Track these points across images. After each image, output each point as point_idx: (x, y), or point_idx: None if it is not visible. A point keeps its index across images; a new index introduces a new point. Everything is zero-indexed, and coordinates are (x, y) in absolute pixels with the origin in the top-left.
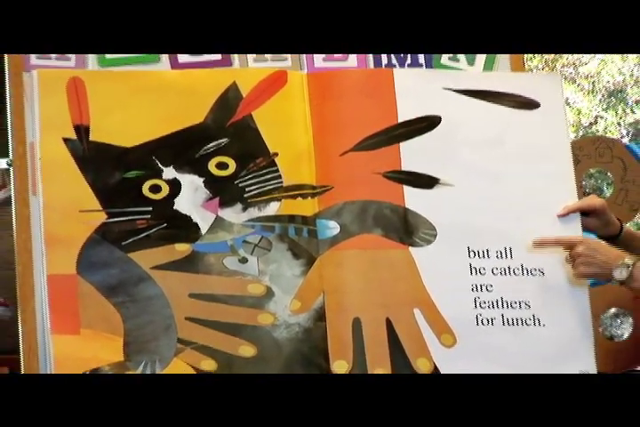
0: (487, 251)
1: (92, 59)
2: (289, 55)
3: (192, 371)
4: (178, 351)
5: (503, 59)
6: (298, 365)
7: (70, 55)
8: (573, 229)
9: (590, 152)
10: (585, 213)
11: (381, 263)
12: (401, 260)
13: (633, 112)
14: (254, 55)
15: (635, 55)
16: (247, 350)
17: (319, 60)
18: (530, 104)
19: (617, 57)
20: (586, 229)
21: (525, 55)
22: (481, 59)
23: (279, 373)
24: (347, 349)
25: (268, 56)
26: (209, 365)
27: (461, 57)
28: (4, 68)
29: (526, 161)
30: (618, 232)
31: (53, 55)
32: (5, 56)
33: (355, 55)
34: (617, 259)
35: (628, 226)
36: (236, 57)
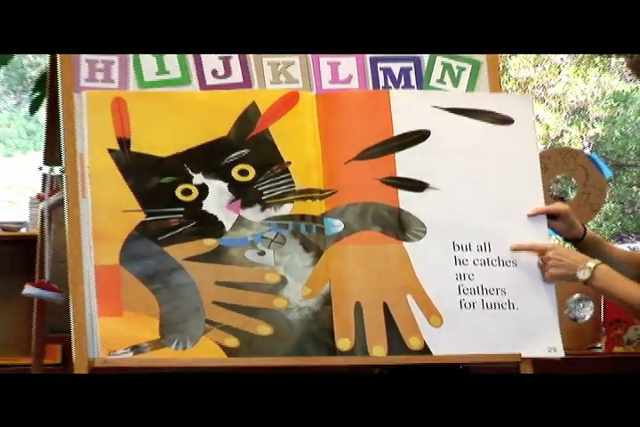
0: (469, 245)
1: (132, 81)
2: (300, 78)
3: (218, 348)
4: (205, 331)
5: (483, 81)
6: (308, 342)
7: (114, 78)
8: (540, 228)
9: (557, 161)
10: (552, 216)
11: (379, 256)
12: (396, 253)
13: (593, 127)
14: (271, 78)
15: (595, 78)
16: (265, 330)
17: (326, 82)
18: (505, 120)
19: (580, 80)
20: (554, 231)
21: (502, 78)
22: (464, 81)
23: (292, 349)
24: (349, 329)
25: (283, 78)
26: (232, 342)
27: (447, 80)
28: (57, 89)
29: (501, 169)
30: (582, 236)
31: (99, 78)
32: (58, 79)
33: (356, 78)
34: (581, 262)
35: (590, 224)
36: (255, 80)
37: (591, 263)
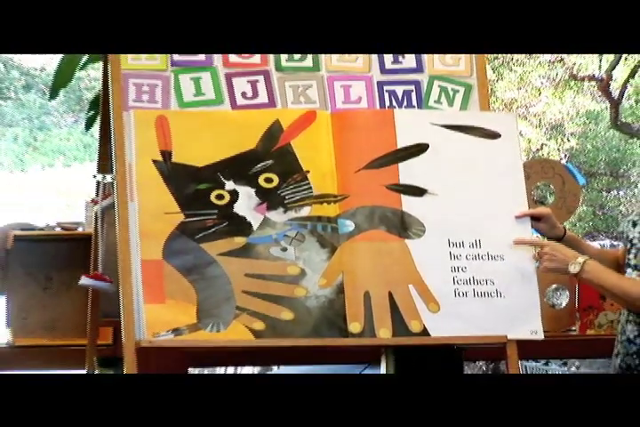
0: (462, 242)
1: (173, 101)
2: (317, 99)
3: (247, 330)
4: (236, 316)
5: (474, 101)
6: (323, 326)
7: (158, 99)
8: (525, 228)
9: (537, 170)
10: (536, 218)
11: (384, 252)
12: (399, 249)
13: (568, 141)
14: (292, 98)
15: (570, 99)
16: (287, 315)
17: (339, 102)
18: (493, 135)
19: (557, 101)
20: (538, 231)
21: (490, 99)
22: (458, 101)
23: (310, 332)
24: (359, 314)
25: (302, 99)
26: (259, 325)
27: (443, 100)
28: (109, 109)
29: (490, 177)
30: (562, 235)
31: (145, 98)
32: (110, 100)
33: (365, 99)
34: (573, 258)
35: (565, 224)
36: (278, 100)
37: (581, 259)
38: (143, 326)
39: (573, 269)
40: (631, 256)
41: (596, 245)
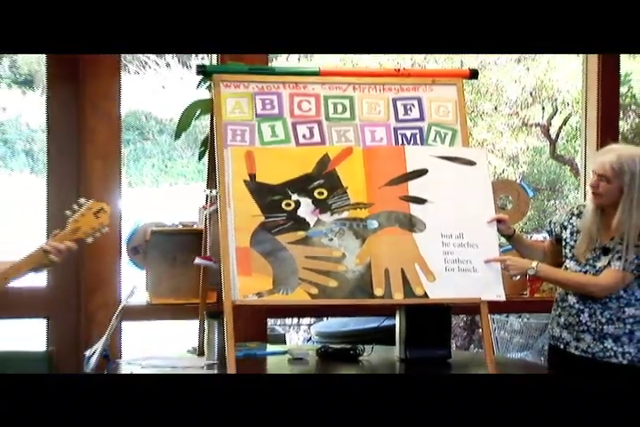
0: (450, 235)
1: (257, 140)
2: (353, 139)
3: (306, 294)
4: (298, 284)
5: (458, 140)
6: (357, 291)
7: (246, 139)
8: (492, 226)
9: (501, 187)
10: (498, 221)
11: (398, 242)
12: (408, 240)
13: (521, 167)
14: (336, 139)
15: (523, 139)
16: (333, 283)
17: (368, 141)
18: (471, 163)
19: (514, 140)
20: (498, 230)
21: (469, 139)
22: (447, 140)
23: (348, 295)
24: (381, 283)
25: (343, 139)
26: (314, 290)
27: (438, 140)
28: (214, 146)
29: (469, 191)
30: (512, 234)
31: (238, 139)
32: (215, 140)
33: (385, 139)
34: (528, 264)
35: (520, 223)
36: (327, 140)
37: (534, 264)
38: (237, 291)
39: (532, 271)
40: (567, 251)
41: (538, 237)
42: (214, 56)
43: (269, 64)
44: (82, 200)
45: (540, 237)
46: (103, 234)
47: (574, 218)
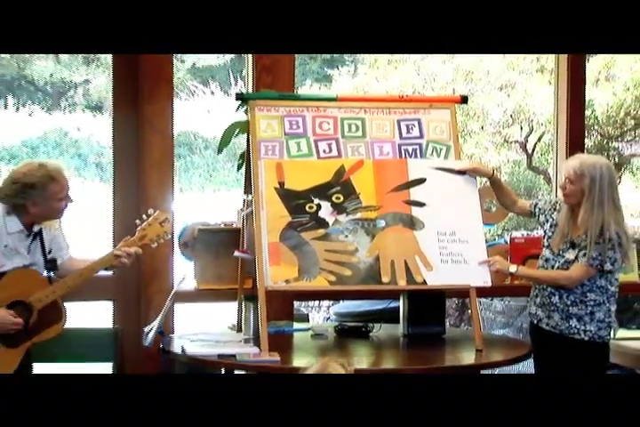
0: (445, 232)
1: (285, 154)
2: (364, 153)
3: (325, 281)
4: (319, 273)
5: (452, 154)
6: (368, 278)
7: (276, 153)
8: (479, 227)
9: (486, 192)
10: (474, 171)
11: (402, 238)
12: (410, 237)
13: (503, 177)
14: (350, 153)
15: (504, 153)
16: (347, 272)
17: (377, 155)
18: (462, 173)
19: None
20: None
21: (461, 154)
22: (442, 154)
23: (360, 282)
24: (388, 272)
25: (356, 153)
26: (332, 278)
27: (434, 154)
28: (250, 159)
29: (460, 196)
30: (492, 175)
31: (269, 153)
32: (251, 154)
33: (391, 153)
34: (508, 264)
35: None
36: (343, 153)
37: (513, 268)
38: (268, 278)
39: (513, 270)
40: (544, 240)
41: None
42: (250, 85)
43: (295, 92)
44: (150, 211)
45: (519, 234)
46: (166, 240)
47: (555, 213)
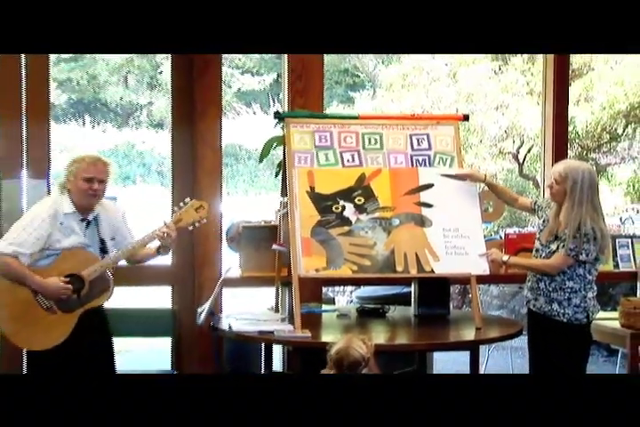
0: (450, 229)
1: (315, 163)
2: (382, 162)
3: (349, 270)
4: (344, 263)
5: (455, 164)
6: (384, 268)
7: (307, 162)
8: (479, 225)
9: (485, 195)
10: (469, 176)
11: (413, 234)
12: (420, 233)
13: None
14: (370, 162)
15: (500, 163)
16: (367, 262)
17: (393, 164)
18: (463, 178)
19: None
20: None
21: (463, 163)
22: (448, 163)
23: (377, 271)
24: (401, 262)
25: (375, 163)
26: (355, 267)
27: (441, 163)
28: (286, 167)
29: (462, 199)
30: (484, 179)
31: (302, 162)
32: (287, 163)
33: (404, 162)
34: (503, 254)
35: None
36: (364, 163)
37: (505, 257)
38: (301, 267)
39: (506, 259)
40: (537, 233)
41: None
42: (286, 105)
43: (323, 111)
44: (187, 199)
45: (512, 230)
46: (202, 224)
47: (547, 210)
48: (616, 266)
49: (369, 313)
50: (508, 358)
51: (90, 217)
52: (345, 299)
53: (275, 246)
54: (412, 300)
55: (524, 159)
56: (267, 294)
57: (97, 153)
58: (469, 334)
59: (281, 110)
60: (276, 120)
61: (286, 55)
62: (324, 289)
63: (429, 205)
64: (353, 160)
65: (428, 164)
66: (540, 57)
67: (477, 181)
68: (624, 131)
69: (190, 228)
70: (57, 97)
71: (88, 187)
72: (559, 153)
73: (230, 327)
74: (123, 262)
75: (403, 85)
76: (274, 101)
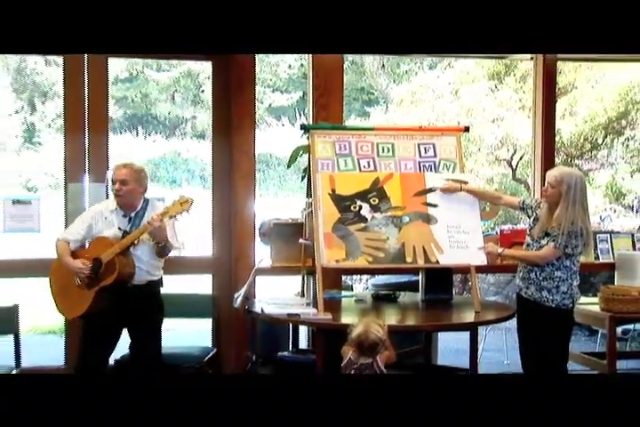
0: (453, 226)
1: (336, 169)
2: (394, 167)
3: (365, 261)
4: (361, 255)
5: (457, 169)
6: (396, 259)
7: (329, 168)
8: (477, 222)
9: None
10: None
11: (421, 230)
12: (427, 229)
13: (494, 185)
14: (383, 168)
15: (495, 168)
16: (381, 254)
17: (403, 169)
18: (465, 182)
19: (489, 169)
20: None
21: (464, 168)
22: (451, 169)
23: (390, 261)
24: (410, 254)
25: (387, 168)
26: (370, 259)
27: (445, 168)
28: (310, 172)
29: (463, 199)
30: (459, 190)
31: (325, 168)
32: (311, 168)
33: (413, 168)
34: (498, 247)
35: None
36: (378, 168)
37: (500, 249)
38: (324, 258)
39: (500, 250)
40: (528, 230)
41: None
42: (311, 118)
43: (343, 123)
44: (180, 194)
45: (507, 227)
46: (183, 216)
47: (538, 210)
48: (597, 258)
49: (382, 298)
50: (503, 338)
51: (132, 214)
52: (361, 286)
53: (301, 240)
54: (420, 287)
55: (517, 165)
56: (294, 282)
57: (128, 160)
58: (469, 317)
59: (306, 123)
60: (302, 131)
61: (311, 75)
62: (344, 277)
63: (435, 205)
64: (368, 166)
65: (433, 169)
66: (530, 77)
67: (455, 191)
68: (603, 141)
69: (174, 219)
70: (114, 112)
71: (115, 188)
72: (547, 160)
73: (262, 310)
74: (172, 254)
75: (411, 101)
76: (300, 115)
